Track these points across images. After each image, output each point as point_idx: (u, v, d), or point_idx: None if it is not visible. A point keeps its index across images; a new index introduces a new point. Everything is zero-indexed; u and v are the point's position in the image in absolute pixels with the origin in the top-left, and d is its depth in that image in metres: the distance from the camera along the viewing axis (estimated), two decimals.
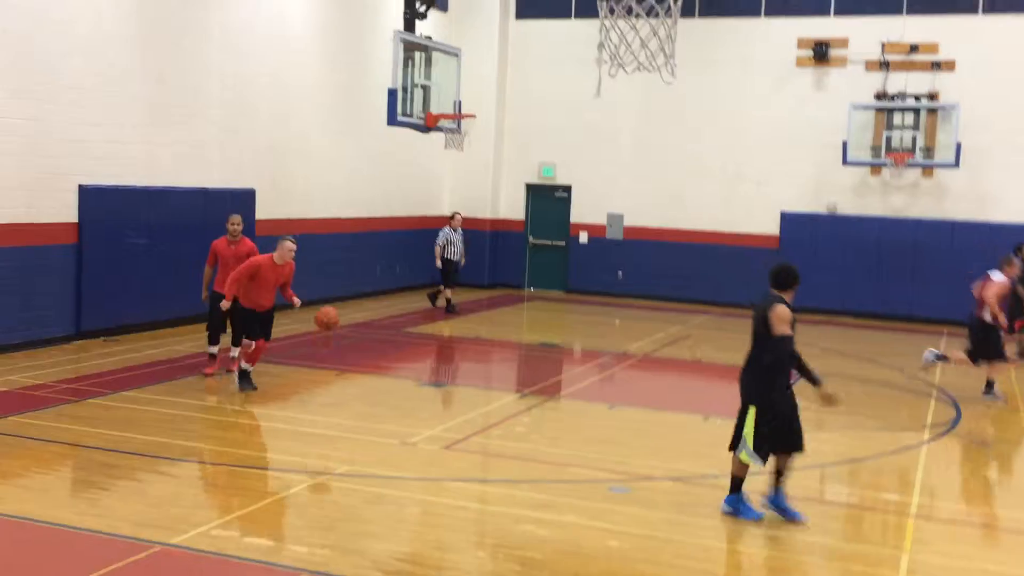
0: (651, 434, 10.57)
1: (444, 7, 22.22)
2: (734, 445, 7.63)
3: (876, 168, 20.72)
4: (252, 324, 11.22)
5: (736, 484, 7.64)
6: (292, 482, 8.17)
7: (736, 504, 7.63)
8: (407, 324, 17.52)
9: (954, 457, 10.32)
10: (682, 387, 14.11)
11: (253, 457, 9.17)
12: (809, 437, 7.75)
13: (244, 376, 11.31)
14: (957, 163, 19.56)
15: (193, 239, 14.26)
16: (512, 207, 23.64)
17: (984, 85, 19.86)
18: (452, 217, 19.35)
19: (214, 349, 12.10)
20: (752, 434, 7.41)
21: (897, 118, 20.35)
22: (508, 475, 8.74)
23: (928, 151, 20.06)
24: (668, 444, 10.15)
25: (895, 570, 6.75)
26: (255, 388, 11.29)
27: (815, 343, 16.78)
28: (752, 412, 7.45)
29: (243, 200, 16.06)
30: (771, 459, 7.61)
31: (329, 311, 11.83)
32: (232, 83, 16.36)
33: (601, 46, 13.26)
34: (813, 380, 7.72)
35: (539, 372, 14.72)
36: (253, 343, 11.23)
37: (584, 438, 10.28)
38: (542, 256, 23.67)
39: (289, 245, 11.15)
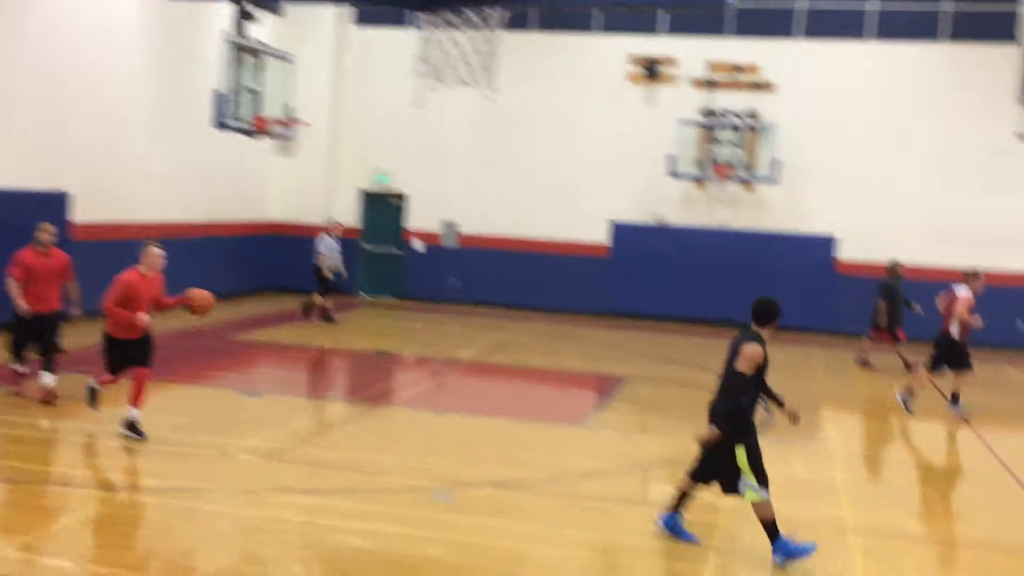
0: (475, 441, 10.52)
1: (280, 12, 21.71)
2: (731, 489, 7.29)
3: (702, 181, 21.42)
4: (131, 354, 9.51)
5: (772, 529, 7.12)
6: (95, 499, 7.71)
7: (786, 548, 7.07)
8: (234, 331, 16.96)
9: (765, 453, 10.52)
10: (509, 393, 14.16)
11: (54, 473, 8.62)
12: (632, 440, 7.84)
13: (133, 427, 9.32)
14: (776, 179, 20.48)
15: None
16: (347, 214, 23.29)
17: (802, 106, 20.78)
18: (330, 226, 19.12)
19: (24, 368, 11.02)
20: (750, 471, 7.15)
21: (721, 134, 21.13)
22: (330, 485, 8.51)
23: (749, 167, 20.90)
24: (491, 450, 10.12)
25: (704, 564, 6.89)
26: (144, 437, 9.35)
27: (644, 351, 17.25)
28: (741, 452, 7.17)
29: (51, 205, 14.88)
30: (684, 480, 7.49)
31: (203, 295, 9.99)
32: (48, 77, 15.50)
33: (425, 59, 13.21)
34: (777, 401, 7.63)
35: (367, 380, 14.50)
36: (112, 377, 9.66)
37: (409, 446, 10.15)
38: (377, 263, 23.40)
39: (156, 251, 9.71)
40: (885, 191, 20.63)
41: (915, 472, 10.88)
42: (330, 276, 18.50)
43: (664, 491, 8.99)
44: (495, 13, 13.28)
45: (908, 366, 15.84)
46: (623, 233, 21.84)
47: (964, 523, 8.83)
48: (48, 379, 10.60)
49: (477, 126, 22.36)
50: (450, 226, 22.87)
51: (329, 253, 18.57)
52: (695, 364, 15.96)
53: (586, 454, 10.00)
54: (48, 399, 10.53)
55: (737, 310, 20.06)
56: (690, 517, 7.51)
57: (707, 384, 14.19)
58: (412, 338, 18.48)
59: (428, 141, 22.53)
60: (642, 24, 21.91)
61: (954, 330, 13.01)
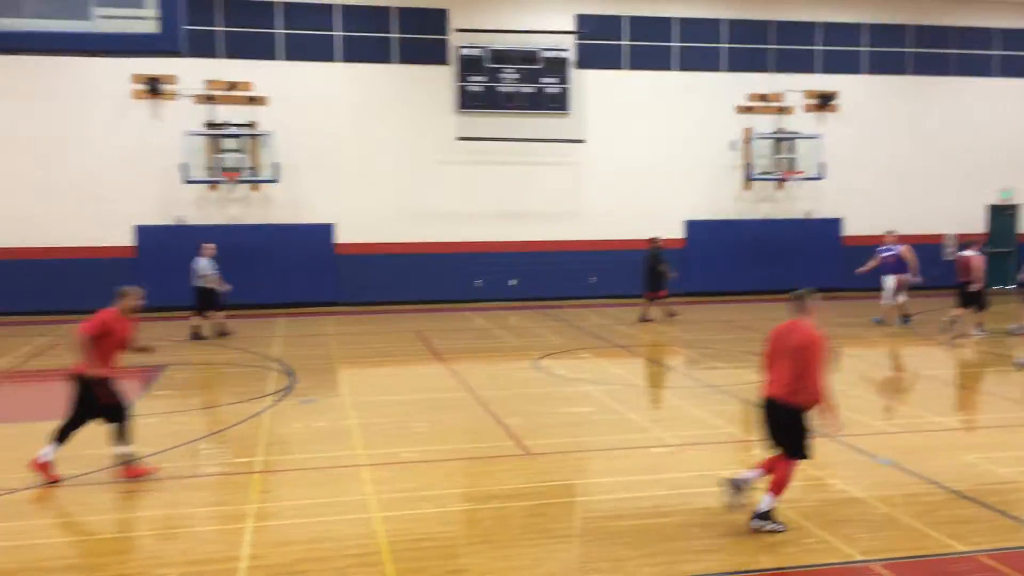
0: (15, 447, 9.39)
1: None
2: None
3: (214, 184, 20.77)
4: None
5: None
6: None
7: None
8: None
9: (291, 416, 10.58)
10: (48, 398, 12.76)
11: None
12: (174, 420, 7.49)
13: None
14: (277, 179, 20.52)
15: None
16: None
17: (292, 116, 20.95)
18: (205, 247, 16.56)
19: None
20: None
21: (226, 143, 20.61)
22: None
23: (253, 170, 20.67)
24: (27, 455, 9.10)
25: (247, 520, 6.91)
26: None
27: (179, 336, 16.45)
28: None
29: None
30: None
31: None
32: None
33: None
34: None
35: None
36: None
37: None
38: None
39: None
40: (369, 184, 21.62)
41: (411, 409, 11.26)
42: (204, 294, 16.40)
43: (205, 463, 8.85)
44: None
45: (671, 314, 18.24)
46: (147, 234, 20.55)
47: (445, 443, 9.58)
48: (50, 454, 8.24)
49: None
50: None
51: (208, 274, 16.30)
52: (232, 347, 15.64)
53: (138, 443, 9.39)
54: None
55: (254, 293, 20.27)
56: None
57: (232, 360, 14.15)
58: None
59: None
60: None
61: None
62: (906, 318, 17.65)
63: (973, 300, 16.31)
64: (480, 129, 21.80)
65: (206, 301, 16.58)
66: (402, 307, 21.18)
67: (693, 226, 22.84)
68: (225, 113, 20.75)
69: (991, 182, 24.62)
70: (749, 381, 12.45)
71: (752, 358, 14.09)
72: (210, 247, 16.95)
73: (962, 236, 20.98)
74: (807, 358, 6.48)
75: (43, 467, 7.89)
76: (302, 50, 21.33)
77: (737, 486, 6.80)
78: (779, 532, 6.58)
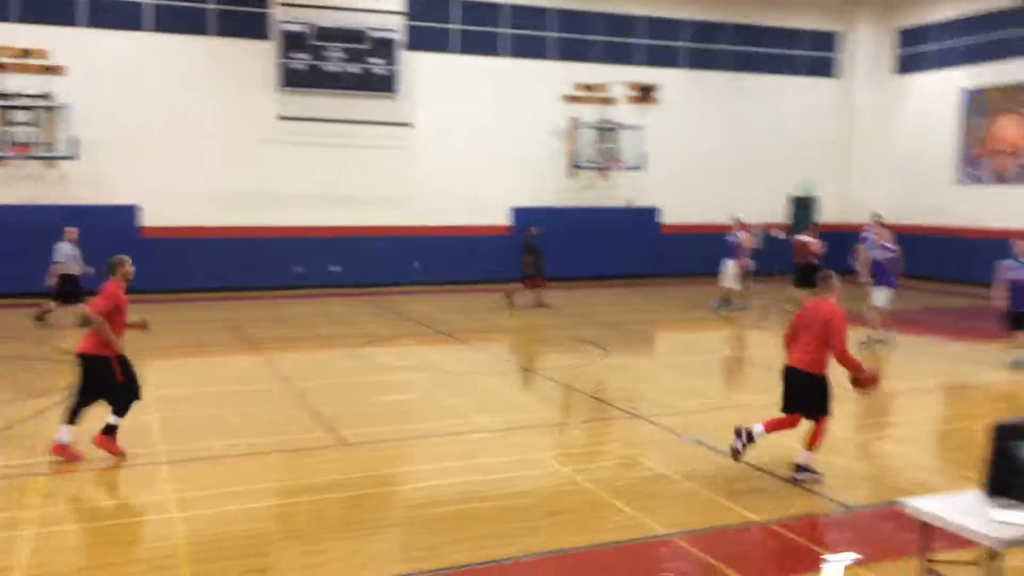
0: None
1: None
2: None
3: (2, 160, 19.02)
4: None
5: None
6: None
7: None
8: None
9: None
10: None
11: None
12: None
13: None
14: (76, 155, 19.04)
15: None
16: None
17: (94, 88, 19.50)
18: (68, 230, 15.01)
19: None
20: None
21: (17, 115, 18.93)
22: None
23: (48, 145, 19.09)
24: None
25: (26, 526, 6.34)
26: None
27: None
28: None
29: None
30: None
31: None
32: None
33: None
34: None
35: None
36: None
37: None
38: None
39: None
40: (180, 164, 20.44)
41: (221, 401, 10.72)
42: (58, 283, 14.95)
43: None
44: None
45: (542, 304, 18.35)
46: None
47: (257, 436, 9.14)
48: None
49: None
50: None
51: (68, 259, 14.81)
52: (27, 339, 14.40)
53: None
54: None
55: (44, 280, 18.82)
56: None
57: (21, 353, 13.00)
58: None
59: None
60: None
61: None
62: (731, 303, 18.59)
63: (809, 279, 17.57)
64: (304, 109, 21.12)
65: (66, 289, 14.98)
66: (217, 295, 20.19)
67: (520, 213, 23.13)
68: (17, 83, 19.04)
69: (795, 174, 26.36)
70: (569, 365, 12.74)
71: (573, 343, 14.47)
72: (72, 231, 15.38)
73: (769, 225, 22.32)
74: (830, 331, 7.29)
75: (62, 449, 7.79)
76: (106, 16, 19.87)
77: (750, 436, 7.58)
78: (818, 480, 7.46)
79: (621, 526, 6.52)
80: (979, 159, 24.12)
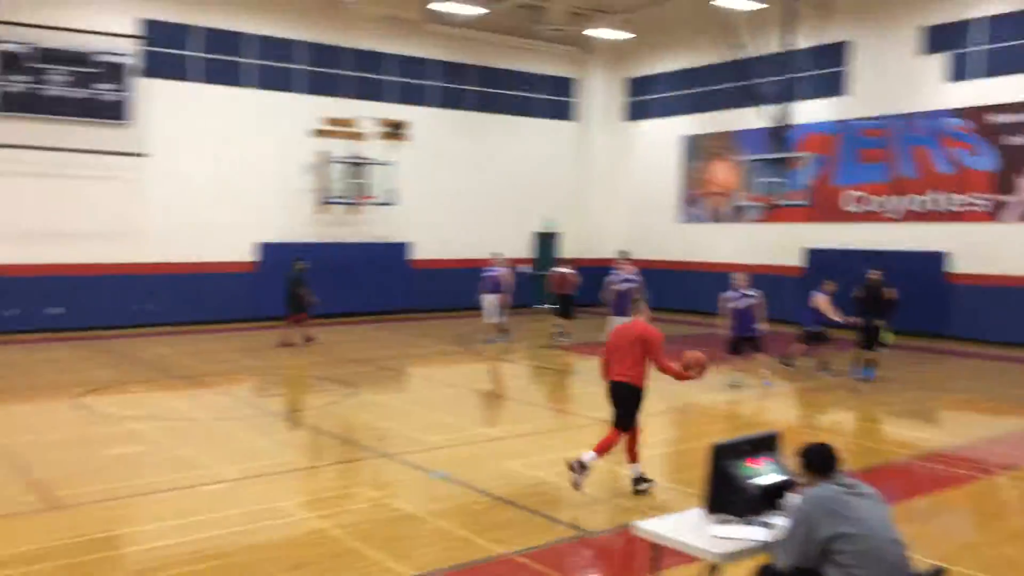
0: None
1: None
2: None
3: None
4: None
5: None
6: None
7: None
8: None
9: None
10: None
11: None
12: None
13: None
14: None
15: None
16: None
17: None
18: None
19: None
20: None
21: None
22: None
23: None
24: None
25: None
26: None
27: None
28: None
29: None
30: None
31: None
32: None
33: None
34: None
35: None
36: None
37: None
38: None
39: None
40: None
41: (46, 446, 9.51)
42: None
43: None
44: None
45: (310, 339, 18.30)
46: None
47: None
48: None
49: None
50: None
51: None
52: None
53: None
54: None
55: None
56: None
57: None
58: None
59: None
60: None
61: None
62: (506, 334, 19.01)
63: (567, 309, 19.22)
64: (20, 136, 19.16)
65: None
66: None
67: (267, 248, 22.30)
68: None
69: (537, 211, 27.52)
70: (317, 405, 12.33)
71: (322, 383, 14.04)
72: None
73: (513, 260, 23.06)
74: (649, 346, 7.99)
75: None
76: None
77: (582, 465, 7.95)
78: (579, 484, 8.06)
79: (366, 574, 6.31)
80: (697, 199, 26.48)
